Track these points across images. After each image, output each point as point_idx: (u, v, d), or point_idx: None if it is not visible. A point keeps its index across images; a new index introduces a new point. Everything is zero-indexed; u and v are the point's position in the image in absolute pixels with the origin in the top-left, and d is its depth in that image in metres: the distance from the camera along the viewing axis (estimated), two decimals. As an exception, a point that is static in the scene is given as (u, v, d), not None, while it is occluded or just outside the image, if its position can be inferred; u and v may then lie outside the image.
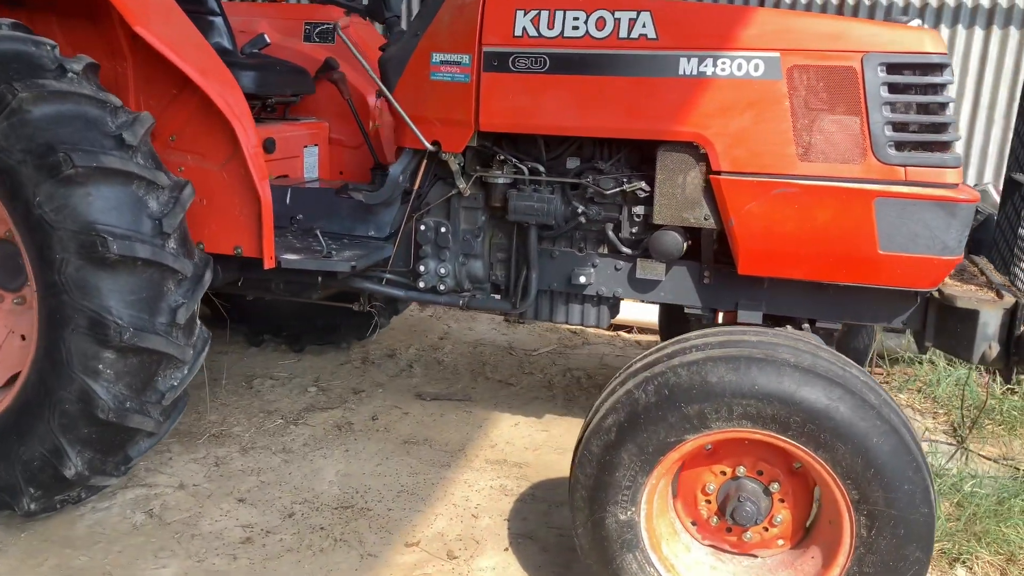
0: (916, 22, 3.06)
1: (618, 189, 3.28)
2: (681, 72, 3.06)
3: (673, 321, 4.35)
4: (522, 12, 3.22)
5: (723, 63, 3.01)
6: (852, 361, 2.62)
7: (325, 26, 4.46)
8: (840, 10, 5.82)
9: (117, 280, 2.86)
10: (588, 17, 3.16)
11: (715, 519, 2.71)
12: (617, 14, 3.12)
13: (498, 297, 3.66)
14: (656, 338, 5.38)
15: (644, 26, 3.10)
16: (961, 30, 6.75)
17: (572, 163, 3.44)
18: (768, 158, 3.00)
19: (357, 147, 4.32)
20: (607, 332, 5.76)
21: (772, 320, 3.34)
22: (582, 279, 3.45)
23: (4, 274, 3.41)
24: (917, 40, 2.89)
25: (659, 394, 2.50)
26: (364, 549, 3.19)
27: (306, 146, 4.24)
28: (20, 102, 2.79)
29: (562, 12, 3.18)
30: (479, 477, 3.76)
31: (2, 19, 3.02)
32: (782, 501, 2.65)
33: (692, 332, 2.74)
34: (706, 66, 3.03)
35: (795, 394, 2.40)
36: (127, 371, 2.94)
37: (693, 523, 2.75)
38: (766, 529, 2.67)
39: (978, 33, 6.75)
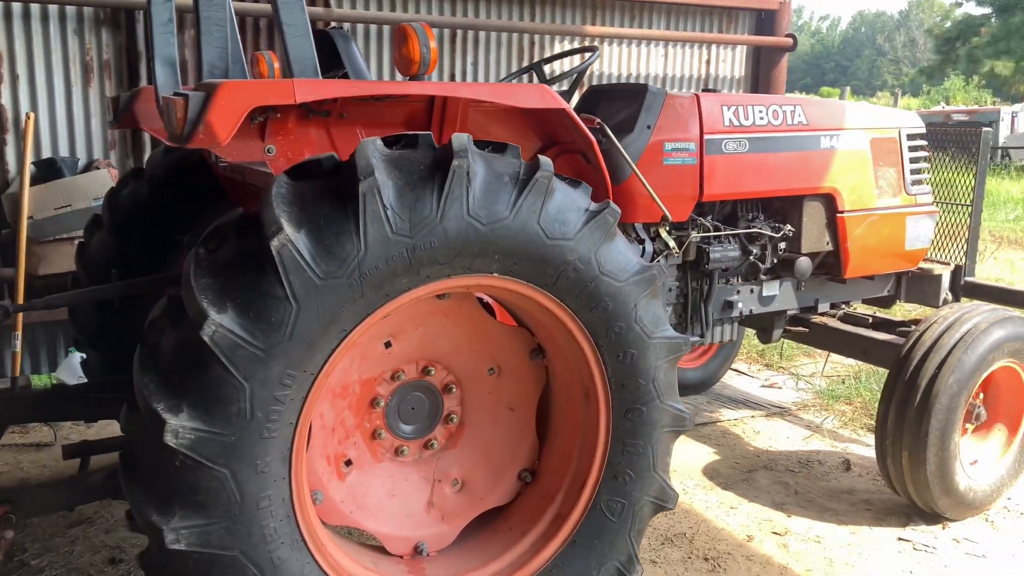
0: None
1: (782, 233, 4.45)
2: (821, 146, 4.43)
3: None
4: (726, 107, 4.16)
5: (843, 138, 4.48)
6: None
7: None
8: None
9: (674, 372, 3.08)
10: (767, 110, 4.27)
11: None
12: (784, 107, 4.32)
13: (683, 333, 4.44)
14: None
15: (799, 114, 4.36)
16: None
17: (729, 218, 4.45)
18: (865, 199, 4.59)
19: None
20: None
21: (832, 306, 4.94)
22: (740, 304, 4.52)
23: (405, 422, 3.03)
24: (918, 119, 4.81)
25: (975, 352, 3.97)
26: None
27: None
28: (616, 228, 2.81)
29: (751, 107, 4.23)
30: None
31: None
32: (984, 404, 4.33)
33: (947, 312, 4.19)
34: (834, 141, 4.46)
35: (1027, 332, 4.15)
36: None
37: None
38: (977, 418, 4.30)
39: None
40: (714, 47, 7.67)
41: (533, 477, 3.15)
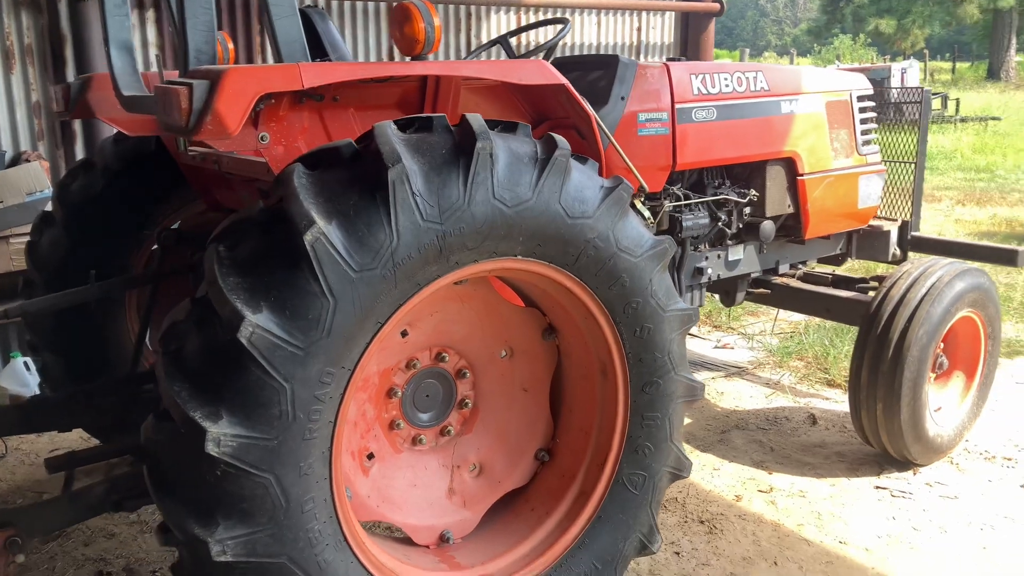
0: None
1: (748, 198, 4.53)
2: (782, 111, 4.51)
3: None
4: (694, 76, 4.19)
5: (801, 103, 4.57)
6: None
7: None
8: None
9: (684, 343, 3.11)
10: (731, 76, 4.32)
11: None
12: (747, 74, 4.38)
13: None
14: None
15: (761, 80, 4.43)
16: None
17: (696, 186, 4.50)
18: (823, 161, 4.71)
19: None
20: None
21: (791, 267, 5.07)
22: (709, 270, 4.59)
23: (421, 410, 2.99)
24: (866, 81, 4.94)
25: (941, 304, 4.14)
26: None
27: None
28: (629, 203, 2.81)
29: (717, 75, 4.27)
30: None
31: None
32: (944, 353, 4.52)
33: (910, 267, 4.35)
34: (794, 105, 4.55)
35: (983, 283, 4.34)
36: (682, 424, 3.19)
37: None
38: (940, 367, 4.50)
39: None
40: (644, 14, 7.71)
41: (550, 457, 3.15)
